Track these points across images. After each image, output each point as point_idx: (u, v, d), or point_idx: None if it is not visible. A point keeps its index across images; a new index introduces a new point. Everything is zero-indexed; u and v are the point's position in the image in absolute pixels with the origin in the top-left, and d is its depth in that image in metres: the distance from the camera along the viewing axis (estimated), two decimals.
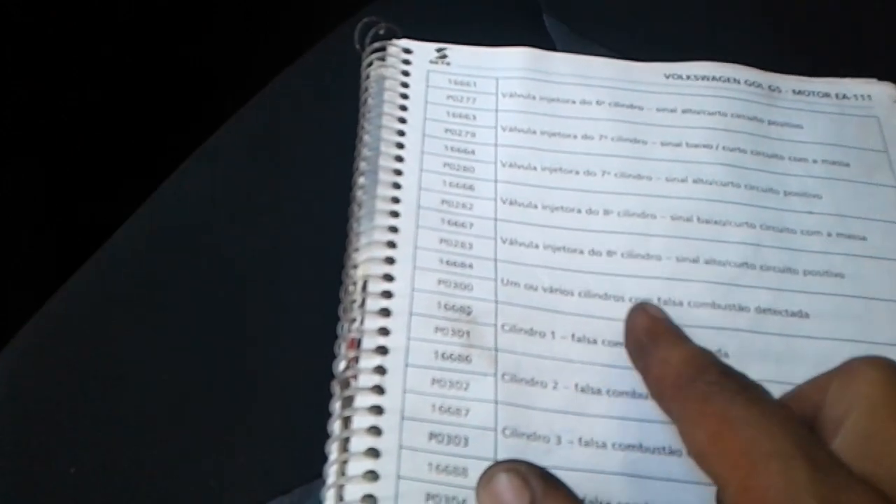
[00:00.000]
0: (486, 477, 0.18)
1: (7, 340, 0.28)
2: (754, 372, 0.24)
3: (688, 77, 0.31)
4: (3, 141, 0.43)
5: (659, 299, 0.26)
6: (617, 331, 0.25)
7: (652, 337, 0.22)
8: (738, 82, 0.31)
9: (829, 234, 0.28)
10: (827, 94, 0.31)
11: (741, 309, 0.26)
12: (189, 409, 0.26)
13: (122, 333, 0.27)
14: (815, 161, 0.30)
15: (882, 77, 0.32)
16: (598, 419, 0.24)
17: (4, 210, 0.44)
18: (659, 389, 0.21)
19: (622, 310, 0.26)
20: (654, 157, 0.29)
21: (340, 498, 0.22)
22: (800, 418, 0.18)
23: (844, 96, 0.31)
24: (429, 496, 0.22)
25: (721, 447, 0.18)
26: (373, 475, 0.22)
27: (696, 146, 0.29)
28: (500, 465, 0.19)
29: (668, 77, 0.31)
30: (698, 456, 0.18)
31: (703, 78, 0.31)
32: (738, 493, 0.17)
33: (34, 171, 0.46)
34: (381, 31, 0.32)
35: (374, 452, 0.23)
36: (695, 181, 0.29)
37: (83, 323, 0.28)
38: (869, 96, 0.31)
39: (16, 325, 0.28)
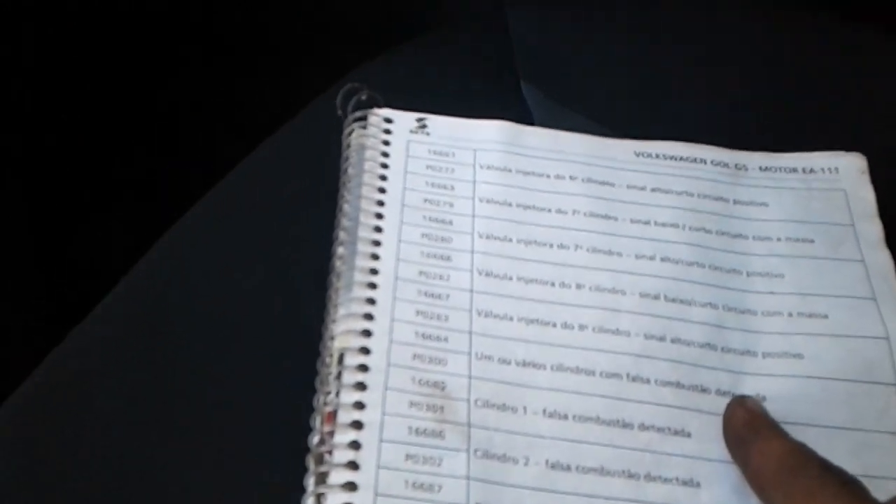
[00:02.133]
0: None
1: None
2: (714, 452, 0.26)
3: (657, 156, 0.32)
4: None
5: (628, 375, 0.27)
6: (587, 406, 0.26)
7: (751, 430, 0.24)
8: (705, 162, 0.32)
9: (791, 315, 0.28)
10: (794, 170, 0.32)
11: (703, 390, 0.27)
12: (164, 481, 0.26)
13: (99, 402, 0.27)
14: (779, 239, 0.30)
15: (851, 148, 0.32)
16: (567, 496, 0.25)
17: None
18: (759, 481, 0.23)
19: (593, 384, 0.27)
20: (625, 234, 0.30)
21: None
22: None
23: (812, 170, 0.32)
24: None
25: None
26: None
27: (664, 225, 0.30)
28: None
29: (638, 155, 0.33)
30: None
31: (672, 158, 0.32)
32: None
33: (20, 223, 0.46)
34: (364, 98, 0.33)
35: None
36: (662, 259, 0.30)
37: (64, 385, 0.28)
38: (836, 169, 0.32)
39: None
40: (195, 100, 0.47)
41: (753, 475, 0.23)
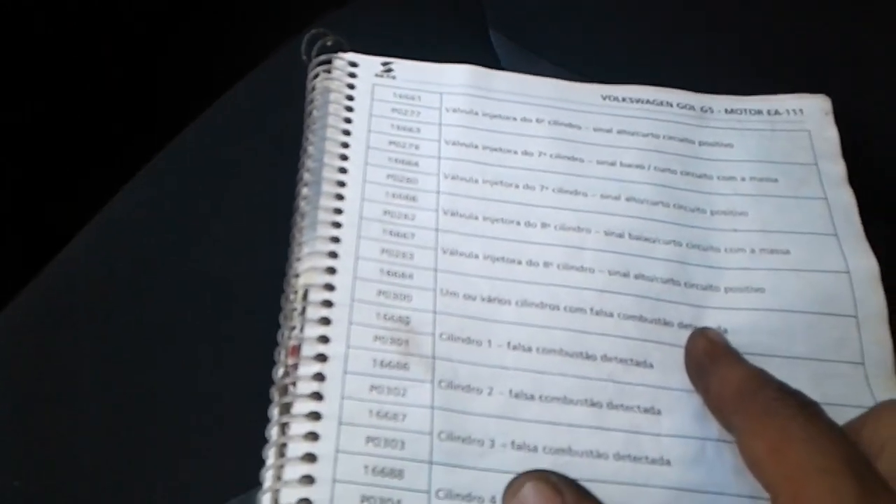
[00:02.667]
0: (513, 488, 0.19)
1: None
2: (675, 382, 0.26)
3: (623, 99, 0.33)
4: None
5: (591, 309, 0.27)
6: (551, 338, 0.27)
7: (712, 358, 0.24)
8: (671, 105, 0.33)
9: (753, 251, 0.29)
10: (759, 111, 0.32)
11: (666, 323, 0.27)
12: (128, 421, 0.26)
13: (68, 346, 0.27)
14: (743, 179, 0.31)
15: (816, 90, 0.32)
16: (531, 424, 0.25)
17: None
18: (719, 404, 0.23)
19: (557, 318, 0.27)
20: (590, 175, 0.30)
21: (276, 502, 0.22)
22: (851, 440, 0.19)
23: (776, 112, 0.32)
24: (364, 498, 0.23)
25: (778, 459, 0.19)
26: (309, 479, 0.23)
27: (630, 166, 0.31)
28: (528, 475, 0.19)
29: (604, 98, 0.33)
30: (755, 465, 0.20)
31: (638, 101, 0.32)
32: None
33: None
34: (329, 43, 0.33)
35: (310, 457, 0.23)
36: (627, 199, 0.30)
37: (26, 337, 0.28)
38: (801, 110, 0.32)
39: None
40: (162, 47, 0.47)
41: (714, 400, 0.24)
